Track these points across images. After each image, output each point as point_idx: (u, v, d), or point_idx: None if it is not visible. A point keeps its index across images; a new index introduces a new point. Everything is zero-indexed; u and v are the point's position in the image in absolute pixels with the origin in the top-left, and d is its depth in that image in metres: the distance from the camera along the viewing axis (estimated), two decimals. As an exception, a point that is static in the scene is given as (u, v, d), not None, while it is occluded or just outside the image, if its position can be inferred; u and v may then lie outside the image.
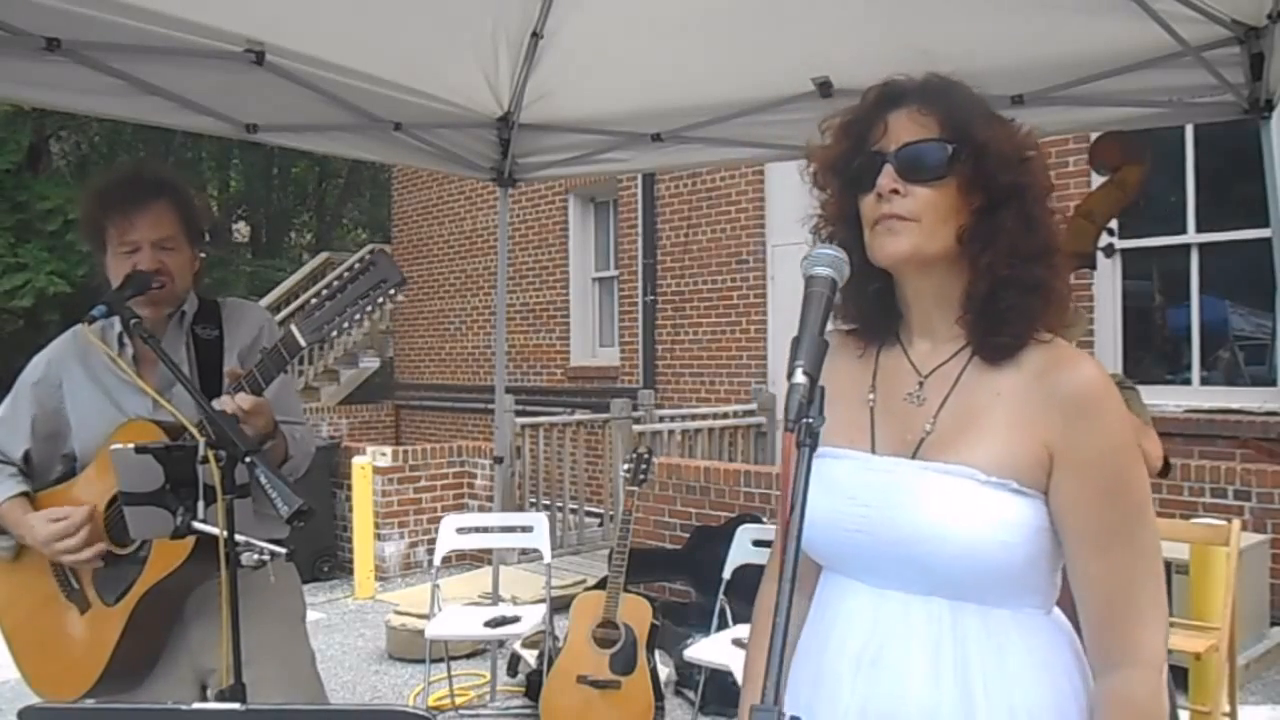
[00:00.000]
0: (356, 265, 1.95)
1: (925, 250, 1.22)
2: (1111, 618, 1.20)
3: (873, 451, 1.29)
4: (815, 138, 1.34)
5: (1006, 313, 1.22)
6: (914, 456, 1.25)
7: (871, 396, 1.32)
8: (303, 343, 1.89)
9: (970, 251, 1.22)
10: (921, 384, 1.29)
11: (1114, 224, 2.29)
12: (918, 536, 1.20)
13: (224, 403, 1.91)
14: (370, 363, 13.50)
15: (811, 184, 1.34)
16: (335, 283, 1.93)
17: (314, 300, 1.94)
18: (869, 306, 1.31)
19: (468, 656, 5.15)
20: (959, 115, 1.22)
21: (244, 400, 1.91)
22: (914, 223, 1.21)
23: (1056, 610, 1.28)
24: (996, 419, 1.22)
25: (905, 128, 1.23)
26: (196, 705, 1.17)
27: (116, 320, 2.11)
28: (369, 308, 1.89)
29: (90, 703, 2.03)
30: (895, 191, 1.21)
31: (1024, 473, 1.19)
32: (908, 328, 1.32)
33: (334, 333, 1.91)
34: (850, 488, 1.25)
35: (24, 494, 2.17)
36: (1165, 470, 2.33)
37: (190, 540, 1.93)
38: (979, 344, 1.25)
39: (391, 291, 1.89)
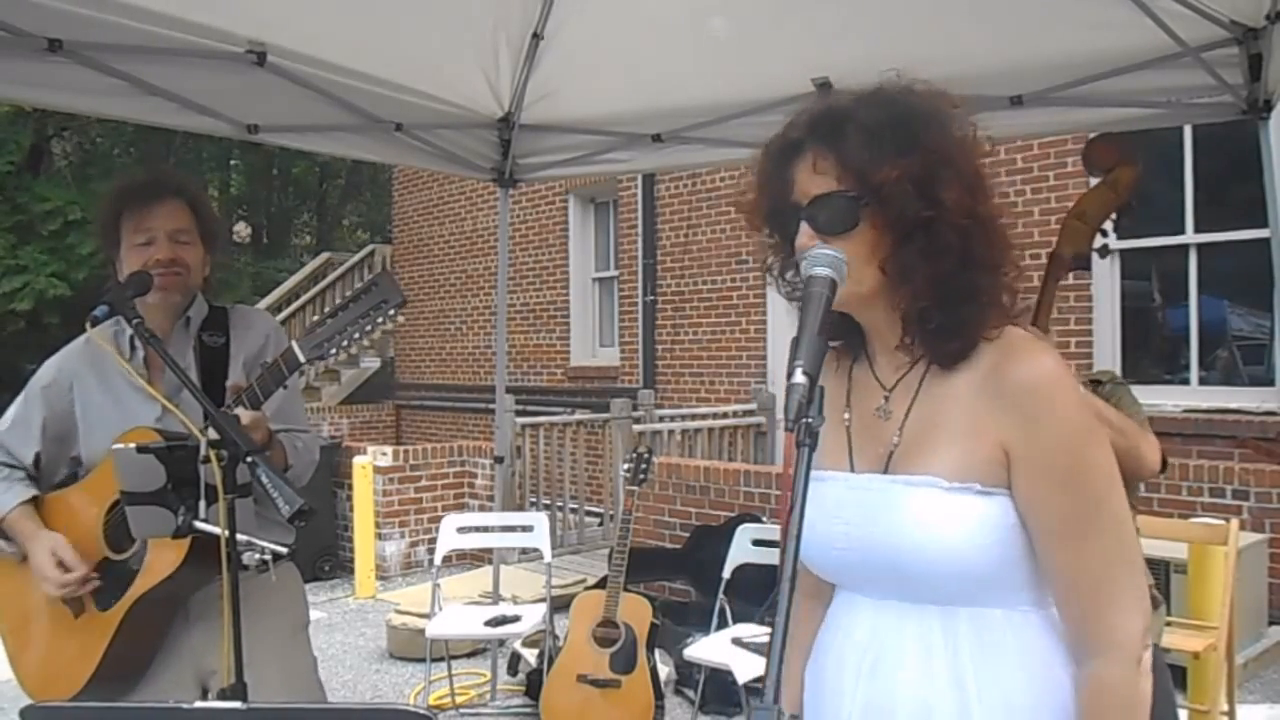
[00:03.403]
0: (359, 285, 1.98)
1: (857, 295, 1.23)
2: (1084, 606, 1.21)
3: (851, 470, 1.31)
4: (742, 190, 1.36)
5: (944, 328, 1.23)
6: (885, 470, 1.27)
7: (847, 415, 1.34)
8: (302, 359, 1.92)
9: (892, 283, 1.23)
10: (887, 397, 1.31)
11: (1110, 225, 2.29)
12: (895, 549, 1.23)
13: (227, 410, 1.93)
14: (371, 363, 13.50)
15: (748, 227, 1.36)
16: (336, 299, 1.95)
17: (316, 318, 1.96)
18: (837, 325, 1.32)
19: (468, 655, 5.16)
20: (854, 158, 1.20)
21: (241, 415, 1.92)
22: None
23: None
24: (954, 423, 1.23)
25: (809, 181, 1.24)
26: (198, 704, 1.17)
27: (128, 326, 2.13)
28: (369, 326, 1.92)
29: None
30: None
31: (984, 473, 1.20)
32: (871, 344, 1.34)
33: (333, 350, 1.94)
34: (834, 507, 1.28)
35: (33, 499, 2.18)
36: (1163, 468, 2.33)
37: (184, 547, 1.95)
38: (931, 354, 1.27)
39: (391, 311, 1.92)
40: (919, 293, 1.22)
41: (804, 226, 1.24)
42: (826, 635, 1.37)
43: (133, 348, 2.19)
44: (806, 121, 1.27)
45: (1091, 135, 2.39)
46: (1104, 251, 2.29)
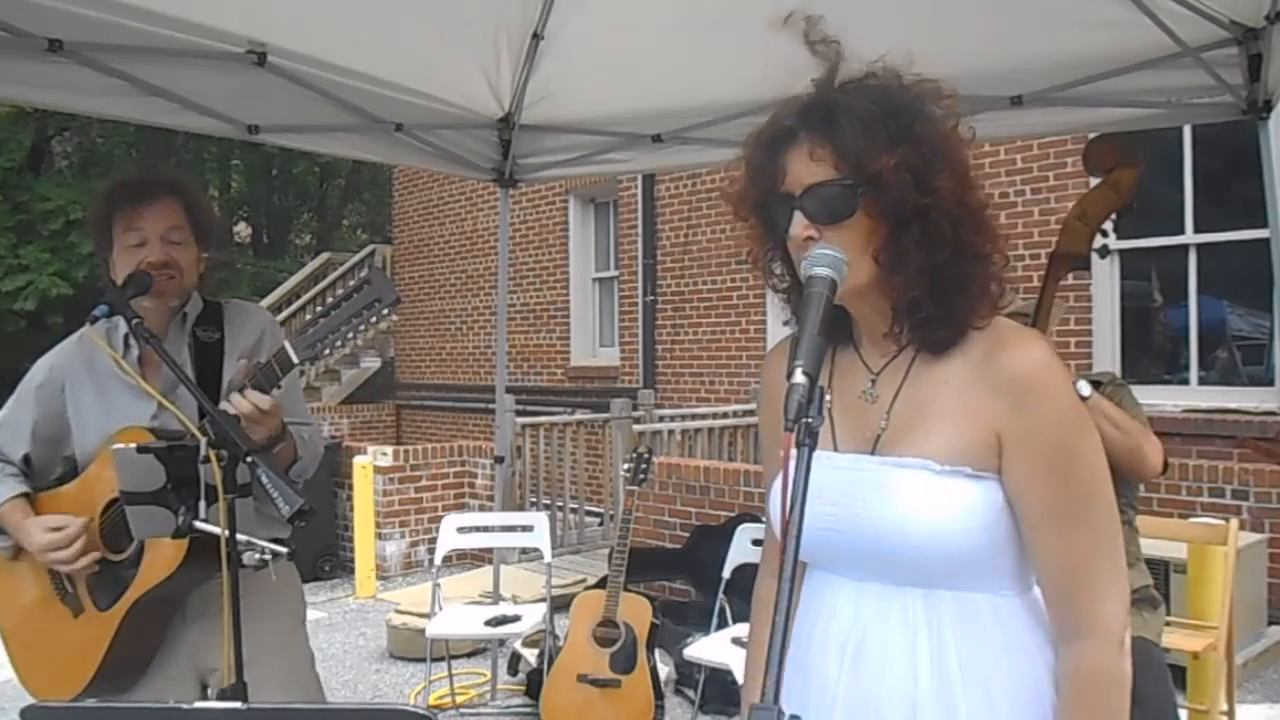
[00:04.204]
0: (352, 282, 1.97)
1: (853, 287, 1.23)
2: (1069, 592, 1.23)
3: (835, 450, 1.31)
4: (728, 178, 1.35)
5: (935, 317, 1.24)
6: (872, 452, 1.28)
7: (829, 397, 1.34)
8: (295, 360, 1.89)
9: (885, 272, 1.24)
10: (874, 381, 1.31)
11: (1109, 225, 2.30)
12: (882, 531, 1.23)
13: (233, 402, 1.92)
14: (371, 363, 13.51)
15: (733, 217, 1.35)
16: (330, 299, 1.94)
17: (309, 317, 1.96)
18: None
19: (468, 655, 5.16)
20: (851, 147, 1.20)
21: (261, 400, 1.90)
22: None
23: (1037, 590, 1.30)
24: (946, 407, 1.24)
25: (803, 169, 1.22)
26: (198, 704, 1.17)
27: (121, 323, 2.12)
28: (362, 326, 1.91)
29: (91, 702, 2.04)
30: (810, 238, 1.21)
31: (976, 458, 1.22)
32: (857, 327, 1.35)
33: (327, 350, 1.93)
34: (816, 487, 1.24)
35: (24, 495, 2.17)
36: (1164, 469, 2.34)
37: (183, 548, 1.94)
38: (920, 342, 1.28)
39: (385, 310, 1.91)
40: (911, 282, 1.22)
41: (798, 216, 1.23)
42: (806, 620, 1.36)
43: (126, 345, 2.17)
44: (798, 110, 1.26)
45: (1092, 136, 2.40)
46: (1104, 252, 2.30)
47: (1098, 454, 1.24)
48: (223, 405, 1.91)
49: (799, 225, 1.22)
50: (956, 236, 1.22)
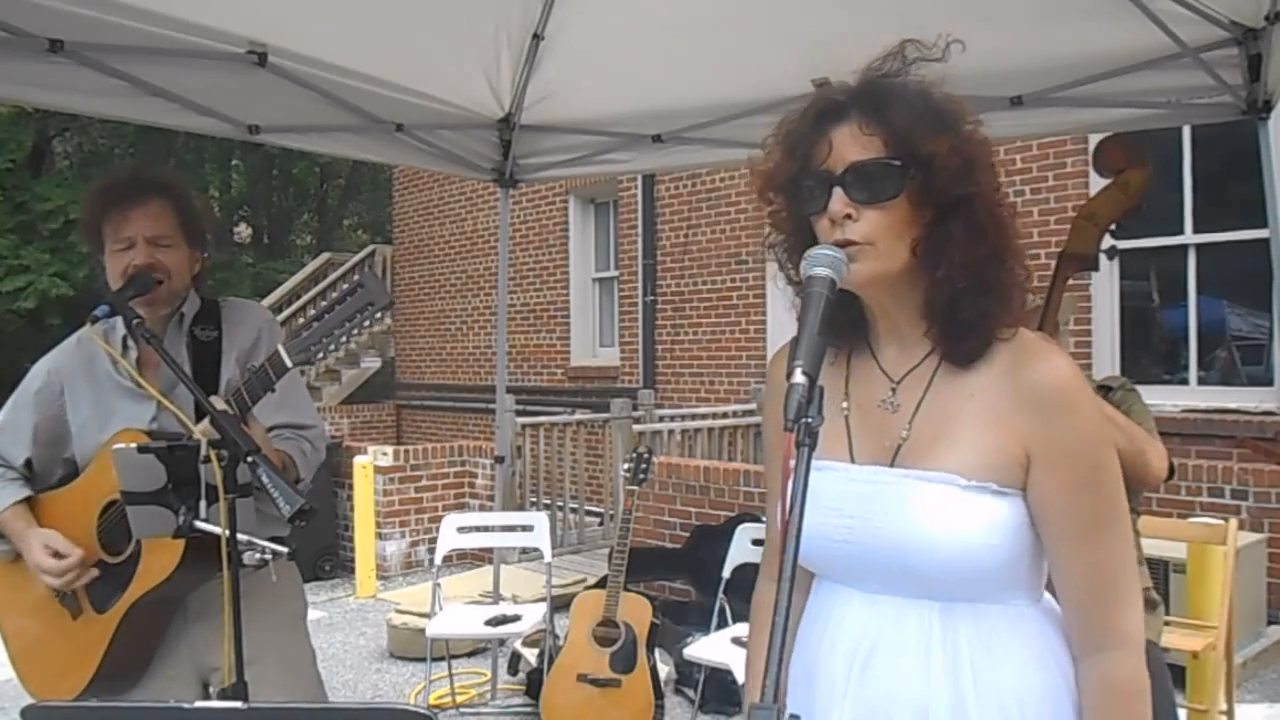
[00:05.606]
0: (345, 286, 1.98)
1: (885, 272, 1.21)
2: (1093, 603, 1.23)
3: (852, 461, 1.29)
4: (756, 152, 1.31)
5: (969, 321, 1.22)
6: (892, 464, 1.26)
7: (845, 405, 1.32)
8: (289, 364, 1.89)
9: (925, 264, 1.21)
10: (894, 390, 1.29)
11: (1113, 225, 2.30)
12: (903, 545, 1.22)
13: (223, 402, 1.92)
14: (372, 363, 13.50)
15: (758, 198, 1.31)
16: (324, 302, 1.95)
17: (305, 319, 1.96)
18: (835, 314, 1.22)
19: (469, 655, 5.17)
20: (903, 128, 1.19)
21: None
22: (869, 246, 1.19)
23: (1047, 596, 1.30)
24: (971, 421, 1.23)
25: (850, 146, 1.20)
26: (199, 704, 1.17)
27: (120, 323, 2.12)
28: (355, 330, 1.91)
29: (91, 702, 2.04)
30: (848, 216, 1.19)
31: (1002, 473, 1.21)
32: (875, 333, 1.32)
33: (320, 354, 1.93)
34: (833, 499, 1.25)
35: (26, 500, 2.17)
36: (1170, 475, 2.33)
37: (180, 549, 1.94)
38: (946, 351, 1.26)
39: (379, 314, 1.91)
40: (954, 275, 1.20)
41: (837, 193, 1.20)
42: (815, 628, 1.35)
43: (125, 346, 2.17)
44: (848, 89, 1.24)
45: (1099, 137, 2.39)
46: (1111, 252, 2.31)
47: (1117, 466, 1.24)
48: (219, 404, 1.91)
49: (839, 202, 1.20)
50: (998, 232, 1.21)
